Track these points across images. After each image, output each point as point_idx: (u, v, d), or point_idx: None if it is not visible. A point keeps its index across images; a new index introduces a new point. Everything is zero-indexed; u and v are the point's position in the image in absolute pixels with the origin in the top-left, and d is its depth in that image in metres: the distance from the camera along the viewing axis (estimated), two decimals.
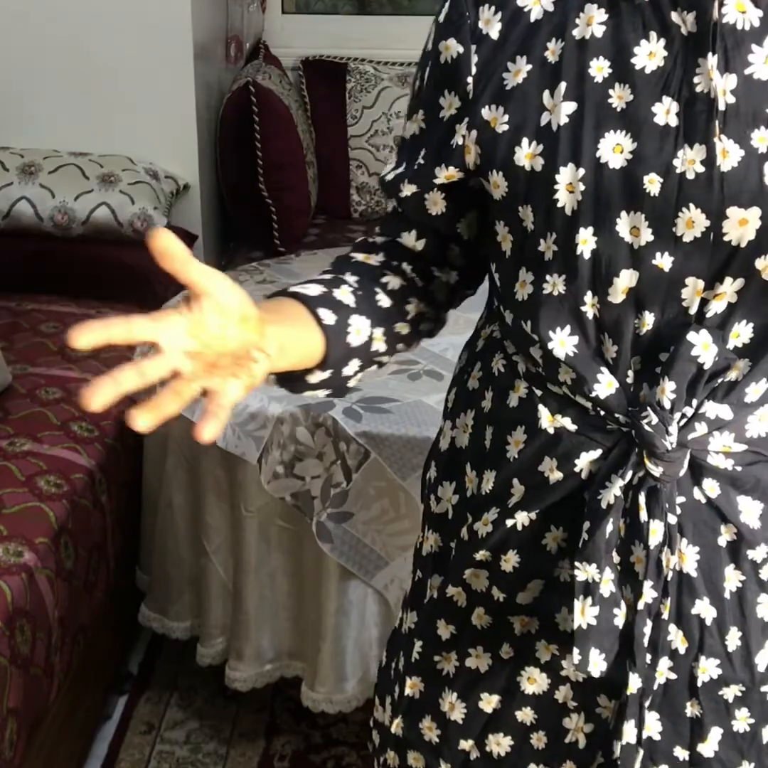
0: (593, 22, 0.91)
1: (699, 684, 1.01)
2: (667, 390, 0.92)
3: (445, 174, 1.00)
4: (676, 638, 1.00)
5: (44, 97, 2.91)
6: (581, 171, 0.90)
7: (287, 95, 3.18)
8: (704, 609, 0.99)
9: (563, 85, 0.91)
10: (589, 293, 0.93)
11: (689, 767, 1.04)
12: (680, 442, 0.94)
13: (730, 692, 1.01)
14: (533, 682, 1.09)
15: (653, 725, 1.03)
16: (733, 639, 1.00)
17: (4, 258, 2.77)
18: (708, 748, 1.03)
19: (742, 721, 1.02)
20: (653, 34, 0.89)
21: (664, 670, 1.01)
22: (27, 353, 2.42)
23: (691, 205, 0.87)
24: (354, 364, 1.02)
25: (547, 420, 1.00)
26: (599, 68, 0.90)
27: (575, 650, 0.98)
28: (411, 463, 1.81)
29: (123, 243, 2.78)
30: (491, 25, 0.95)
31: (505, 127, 0.94)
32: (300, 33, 3.55)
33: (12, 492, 1.92)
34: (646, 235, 0.89)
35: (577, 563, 0.97)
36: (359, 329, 1.01)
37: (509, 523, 1.03)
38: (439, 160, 1.00)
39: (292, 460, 1.86)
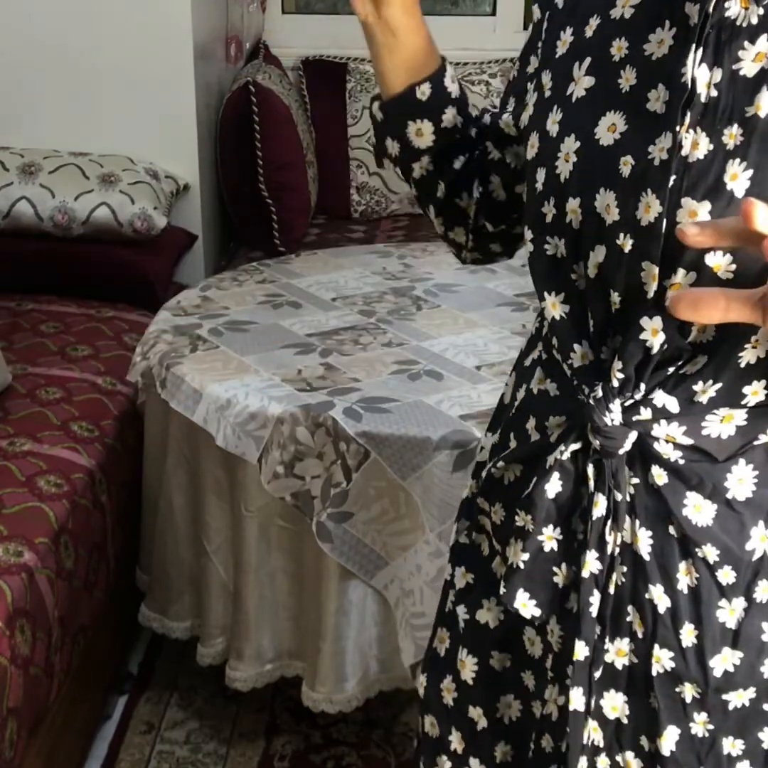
0: (627, 5, 0.95)
1: (654, 673, 1.01)
2: (616, 369, 0.95)
3: (506, 121, 1.12)
4: (634, 620, 1.01)
5: (44, 97, 2.91)
6: (577, 143, 0.94)
7: (287, 95, 3.18)
8: (657, 596, 0.99)
9: (589, 59, 0.96)
10: (579, 263, 0.97)
11: (652, 759, 1.05)
12: (625, 422, 0.96)
13: (687, 692, 1.01)
14: (532, 643, 1.11)
15: (621, 707, 1.04)
16: (688, 635, 1.00)
17: (4, 258, 2.77)
18: (665, 746, 1.03)
19: (700, 725, 1.02)
20: (667, 23, 0.91)
21: (626, 651, 1.02)
22: (27, 353, 2.42)
23: (649, 191, 0.90)
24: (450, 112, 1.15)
25: (537, 381, 1.07)
26: (619, 48, 0.94)
27: (502, 583, 1.05)
28: (411, 463, 1.81)
29: (123, 243, 2.78)
30: None
31: (549, 93, 1.00)
32: (300, 33, 3.55)
33: (12, 492, 1.92)
34: (614, 214, 0.92)
35: (517, 509, 1.04)
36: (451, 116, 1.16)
37: (495, 472, 1.10)
38: (512, 110, 1.12)
39: (292, 460, 1.86)
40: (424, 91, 1.13)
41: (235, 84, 3.10)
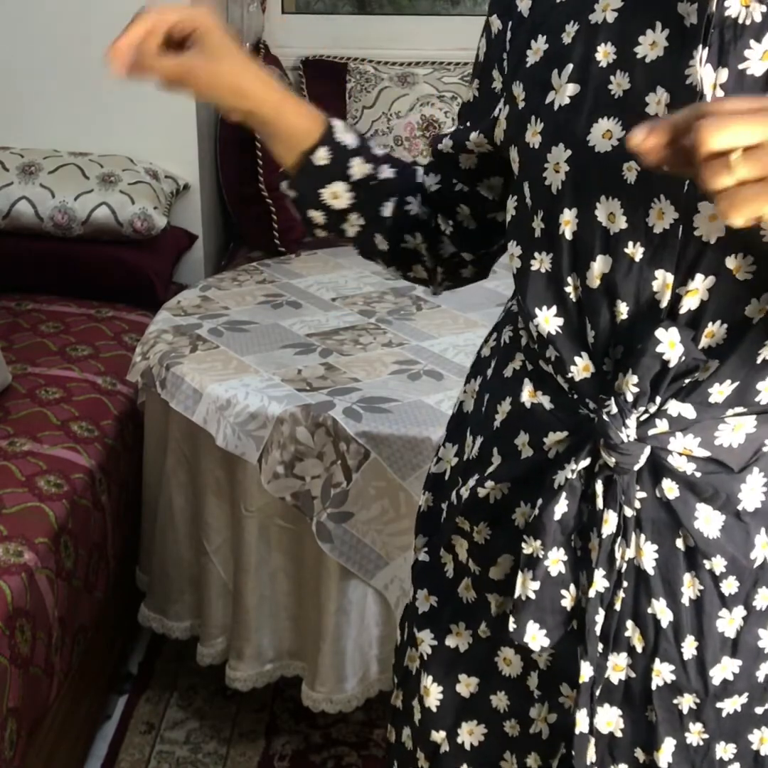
0: (608, 9, 0.92)
1: (653, 687, 1.00)
2: (630, 383, 0.92)
3: (476, 140, 1.07)
4: (634, 635, 1.00)
5: (44, 97, 2.91)
6: (568, 152, 0.92)
7: None
8: (660, 610, 0.98)
9: (570, 66, 0.93)
10: (573, 274, 0.94)
11: None
12: (640, 437, 0.94)
13: (685, 703, 1.00)
14: (509, 663, 1.09)
15: (615, 721, 1.02)
16: (689, 648, 0.98)
17: (4, 258, 2.77)
18: (662, 758, 1.01)
19: (696, 734, 1.01)
20: (658, 25, 0.89)
21: (623, 666, 1.00)
22: (27, 353, 2.42)
23: (662, 196, 0.87)
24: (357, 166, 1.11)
25: (527, 394, 1.02)
26: (605, 53, 0.91)
27: (511, 618, 1.01)
28: (411, 463, 1.81)
29: (123, 243, 2.78)
30: (523, 1, 0.99)
31: (523, 104, 0.97)
32: (300, 33, 3.55)
33: (12, 492, 1.92)
34: (621, 223, 0.90)
35: (524, 536, 1.00)
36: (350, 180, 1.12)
37: (481, 491, 1.05)
38: (477, 127, 1.07)
39: (292, 460, 1.86)
40: (321, 156, 1.09)
41: None
